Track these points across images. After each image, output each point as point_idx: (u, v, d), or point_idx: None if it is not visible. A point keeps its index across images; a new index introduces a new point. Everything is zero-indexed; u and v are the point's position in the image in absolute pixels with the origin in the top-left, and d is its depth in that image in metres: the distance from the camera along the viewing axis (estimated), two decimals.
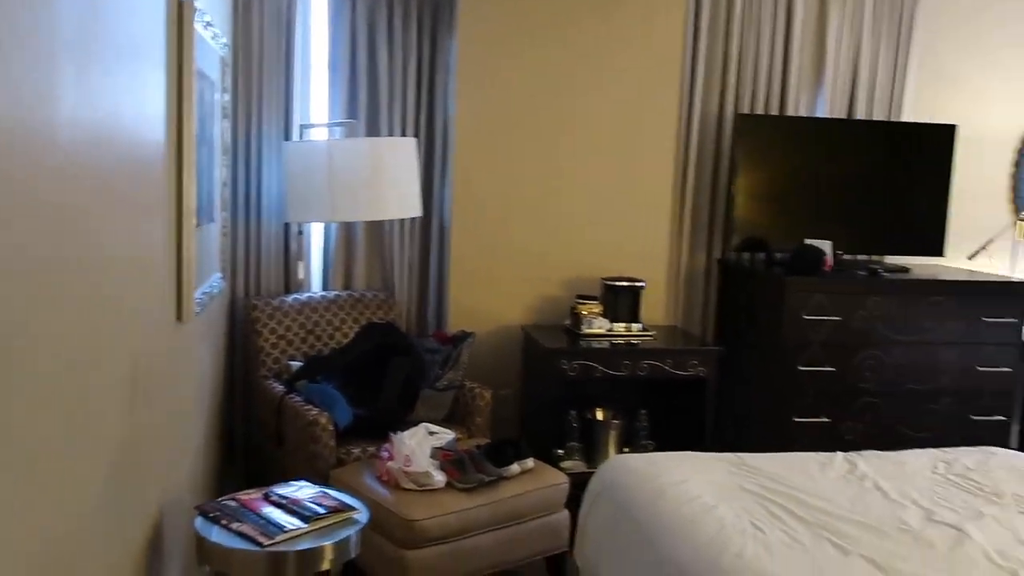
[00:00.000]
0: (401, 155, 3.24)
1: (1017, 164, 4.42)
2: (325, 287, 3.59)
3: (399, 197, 3.22)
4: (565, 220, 3.71)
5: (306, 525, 2.10)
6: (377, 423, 2.97)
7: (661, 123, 3.74)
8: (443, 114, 3.62)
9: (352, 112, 3.50)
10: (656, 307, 3.79)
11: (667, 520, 2.11)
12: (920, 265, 4.10)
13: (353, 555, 2.13)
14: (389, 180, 3.20)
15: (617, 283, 3.55)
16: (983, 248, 4.28)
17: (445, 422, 3.08)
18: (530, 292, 3.71)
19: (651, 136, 3.73)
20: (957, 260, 4.31)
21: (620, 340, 3.44)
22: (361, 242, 3.61)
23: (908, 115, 4.14)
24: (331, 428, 2.85)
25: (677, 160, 3.87)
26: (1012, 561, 1.89)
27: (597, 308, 3.50)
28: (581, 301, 3.51)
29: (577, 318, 3.48)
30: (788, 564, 1.84)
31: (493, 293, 3.68)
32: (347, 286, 3.61)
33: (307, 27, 3.48)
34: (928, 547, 1.96)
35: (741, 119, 3.81)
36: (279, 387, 3.10)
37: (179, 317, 2.15)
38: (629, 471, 2.39)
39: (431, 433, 2.81)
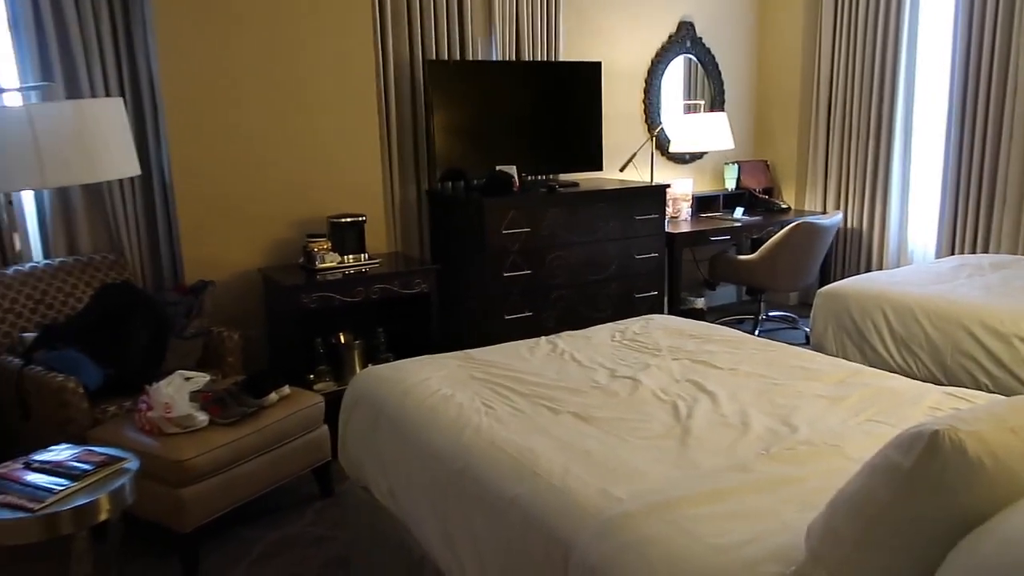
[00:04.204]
0: (110, 116, 2.92)
1: (646, 92, 5.01)
2: (47, 255, 3.21)
3: (113, 158, 2.91)
4: (286, 167, 3.59)
5: (75, 483, 1.95)
6: (129, 378, 2.77)
7: (361, 71, 3.70)
8: (147, 71, 3.31)
9: (47, 74, 3.08)
10: (378, 237, 3.85)
11: (415, 413, 2.23)
12: (586, 179, 4.55)
13: (130, 501, 2.01)
14: (101, 142, 2.87)
15: (342, 220, 3.55)
16: (629, 161, 4.83)
17: (198, 368, 2.94)
18: (262, 237, 3.57)
19: (354, 84, 3.69)
20: (612, 172, 4.84)
21: (351, 270, 3.48)
22: (80, 206, 3.24)
23: (563, 56, 4.51)
24: (81, 391, 2.61)
25: (380, 105, 3.89)
26: (671, 395, 2.27)
27: (326, 244, 3.48)
28: (311, 240, 3.47)
29: (310, 255, 3.44)
30: (515, 429, 2.05)
31: (226, 242, 3.49)
32: (72, 251, 3.25)
33: None
34: (614, 396, 2.28)
35: (430, 65, 3.91)
36: (15, 361, 2.75)
37: None
38: (378, 379, 2.47)
39: (187, 379, 2.68)
